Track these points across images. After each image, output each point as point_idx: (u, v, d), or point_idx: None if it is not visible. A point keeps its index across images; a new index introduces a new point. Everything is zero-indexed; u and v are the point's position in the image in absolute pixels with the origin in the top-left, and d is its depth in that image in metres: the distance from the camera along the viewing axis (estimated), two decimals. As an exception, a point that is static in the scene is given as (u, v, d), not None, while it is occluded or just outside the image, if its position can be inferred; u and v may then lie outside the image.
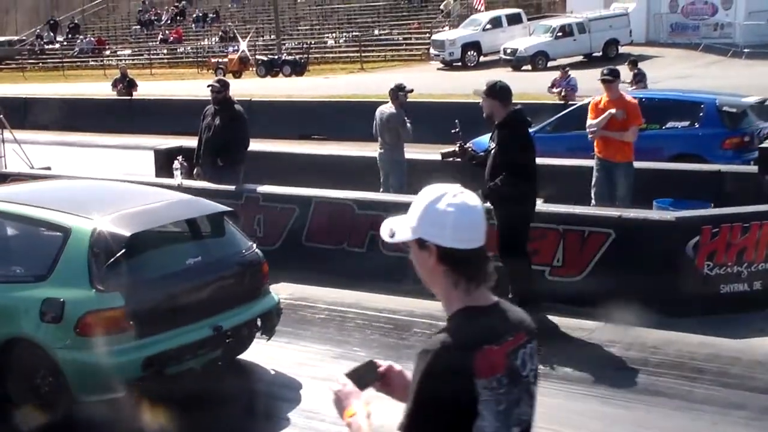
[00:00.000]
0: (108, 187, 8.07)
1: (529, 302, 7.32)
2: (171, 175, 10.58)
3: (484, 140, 9.04)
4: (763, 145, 8.49)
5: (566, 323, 7.46)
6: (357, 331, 7.62)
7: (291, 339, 7.51)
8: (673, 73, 27.22)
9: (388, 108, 11.23)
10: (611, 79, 9.46)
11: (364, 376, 2.66)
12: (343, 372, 2.59)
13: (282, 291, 8.68)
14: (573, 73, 20.72)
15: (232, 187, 10.23)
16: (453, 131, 8.00)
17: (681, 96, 13.30)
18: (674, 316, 7.36)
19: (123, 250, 5.95)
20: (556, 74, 20.90)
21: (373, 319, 7.88)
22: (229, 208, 7.15)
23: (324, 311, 8.19)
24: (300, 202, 9.53)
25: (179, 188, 10.19)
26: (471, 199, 2.45)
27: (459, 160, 7.83)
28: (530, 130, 7.73)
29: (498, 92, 7.38)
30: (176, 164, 10.54)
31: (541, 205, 9.08)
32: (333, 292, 8.61)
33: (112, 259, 5.91)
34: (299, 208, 9.50)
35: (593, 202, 9.41)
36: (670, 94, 13.97)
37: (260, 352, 7.21)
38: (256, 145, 11.46)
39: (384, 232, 2.56)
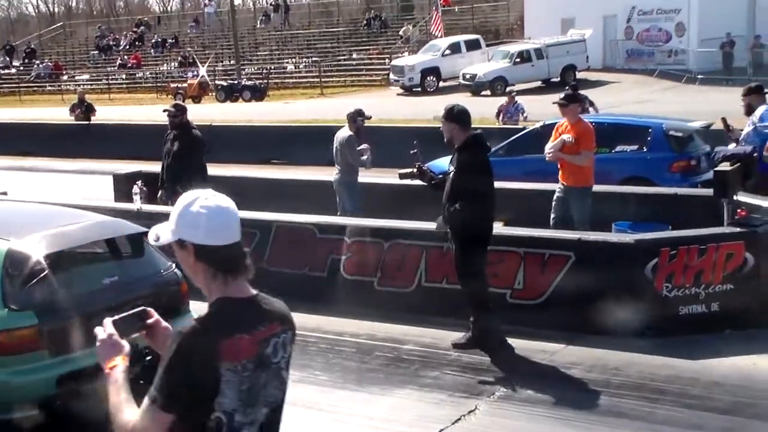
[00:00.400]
0: (30, 209, 8.26)
1: (488, 325, 7.42)
2: (130, 200, 10.48)
3: (442, 163, 9.09)
4: (717, 169, 8.62)
5: (527, 346, 7.48)
6: (319, 355, 7.57)
7: (252, 364, 7.45)
8: (630, 98, 27.66)
9: (345, 132, 11.28)
10: (565, 104, 9.58)
11: (132, 324, 2.98)
12: (110, 318, 2.90)
13: (243, 316, 8.66)
14: (530, 98, 20.94)
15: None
16: (412, 152, 8.05)
17: (629, 120, 13.53)
18: (634, 337, 7.43)
19: (37, 271, 6.09)
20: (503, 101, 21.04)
21: (335, 343, 7.85)
22: (146, 229, 7.07)
23: (285, 336, 8.11)
24: (261, 227, 9.47)
25: (138, 213, 10.17)
26: (223, 201, 2.74)
27: (417, 180, 7.83)
28: (486, 153, 7.72)
29: (456, 116, 7.42)
30: (135, 189, 10.47)
31: (501, 228, 9.17)
32: (294, 316, 8.41)
33: (25, 279, 6.07)
34: (260, 232, 9.45)
35: (551, 225, 9.48)
36: (620, 118, 14.19)
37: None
38: (216, 170, 11.44)
39: (151, 237, 2.79)
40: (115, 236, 7.00)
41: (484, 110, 19.55)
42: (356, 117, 11.25)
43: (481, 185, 7.30)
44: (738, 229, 7.86)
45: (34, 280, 6.09)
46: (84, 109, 25.95)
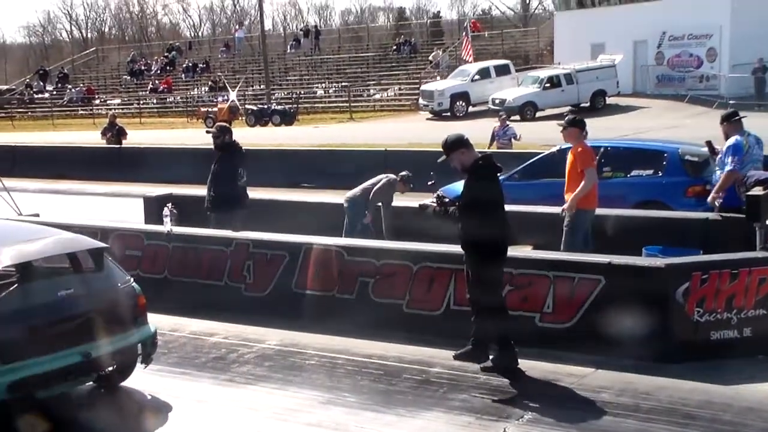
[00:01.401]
0: None
1: (486, 345, 7.48)
2: (161, 222, 10.57)
3: (456, 187, 9.12)
4: (750, 193, 8.57)
5: (557, 369, 7.43)
6: (347, 377, 7.56)
7: (281, 385, 7.47)
8: (662, 124, 27.53)
9: (391, 178, 11.79)
10: (565, 127, 9.91)
11: None
12: None
13: (271, 337, 8.71)
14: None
15: (221, 233, 10.24)
16: (429, 183, 8.15)
17: (645, 145, 13.63)
18: (665, 362, 7.35)
19: None
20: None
21: (363, 365, 7.83)
22: (105, 245, 7.63)
23: (314, 357, 8.14)
24: (290, 249, 9.52)
25: (168, 235, 10.26)
26: None
27: (437, 209, 7.78)
28: (497, 175, 7.70)
29: (453, 144, 7.51)
30: (165, 211, 10.54)
31: (530, 252, 9.17)
32: (322, 338, 8.57)
33: None
34: (289, 254, 9.49)
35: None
36: (635, 143, 14.37)
37: (248, 399, 7.18)
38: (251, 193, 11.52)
39: None
40: (75, 251, 7.27)
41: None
42: (409, 181, 11.80)
43: (484, 201, 7.35)
44: (771, 254, 7.78)
45: None
46: (115, 132, 26.23)
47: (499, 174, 7.67)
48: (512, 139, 19.55)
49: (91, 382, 7.27)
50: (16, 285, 6.67)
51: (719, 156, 10.10)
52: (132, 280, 7.48)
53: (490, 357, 7.55)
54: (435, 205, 7.74)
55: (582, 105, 34.69)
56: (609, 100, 35.20)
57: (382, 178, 11.79)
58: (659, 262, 7.93)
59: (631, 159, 12.43)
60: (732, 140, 9.87)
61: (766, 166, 10.21)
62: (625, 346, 7.48)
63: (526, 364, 7.55)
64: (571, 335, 7.80)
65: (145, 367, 7.39)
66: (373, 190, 11.59)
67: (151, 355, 7.38)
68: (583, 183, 9.58)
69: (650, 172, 12.10)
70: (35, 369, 6.34)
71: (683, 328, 7.57)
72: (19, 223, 9.58)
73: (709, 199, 10.05)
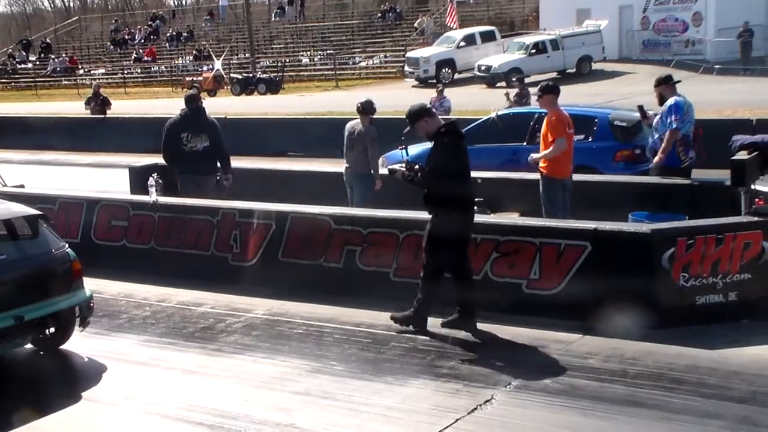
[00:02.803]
0: None
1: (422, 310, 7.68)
2: (146, 192, 10.52)
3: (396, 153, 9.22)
4: (735, 158, 8.57)
5: (543, 336, 7.47)
6: (335, 346, 7.58)
7: (269, 354, 7.48)
8: (646, 89, 27.42)
9: (365, 125, 11.28)
10: (539, 95, 10.09)
11: None
12: None
13: (259, 306, 8.71)
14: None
15: (207, 203, 10.21)
16: (400, 148, 8.19)
17: (576, 111, 13.62)
18: (651, 327, 7.39)
19: None
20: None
21: (351, 334, 7.85)
22: (40, 212, 7.80)
23: (301, 326, 8.15)
24: (277, 218, 9.50)
25: (154, 205, 10.22)
26: None
27: (406, 174, 7.79)
28: (461, 141, 7.78)
29: (416, 114, 7.69)
30: (151, 181, 10.49)
31: (517, 219, 9.18)
32: (310, 307, 8.58)
33: None
34: (276, 223, 9.47)
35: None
36: (569, 109, 14.28)
37: (236, 367, 7.19)
38: (232, 162, 11.45)
39: None
40: (10, 218, 7.51)
41: (500, 101, 19.47)
42: (368, 109, 11.34)
43: (448, 167, 7.49)
44: (755, 219, 7.80)
45: None
46: (99, 102, 26.04)
47: (463, 140, 7.78)
48: (447, 113, 19.54)
49: (29, 345, 7.61)
50: None
51: (658, 117, 10.22)
52: (66, 246, 7.70)
53: (451, 318, 7.70)
54: (404, 170, 7.81)
55: (568, 71, 34.63)
56: (595, 66, 35.14)
57: (361, 136, 11.24)
58: (645, 227, 7.95)
59: None
60: (672, 100, 10.03)
61: (697, 128, 10.37)
62: (612, 312, 7.52)
63: (512, 331, 7.61)
64: (557, 301, 7.83)
65: (82, 330, 7.67)
66: (370, 155, 11.30)
67: (88, 318, 7.63)
68: (551, 149, 9.71)
69: (581, 137, 12.28)
70: None
71: (669, 293, 7.61)
72: None
73: (656, 159, 10.11)
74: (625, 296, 7.56)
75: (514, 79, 22.89)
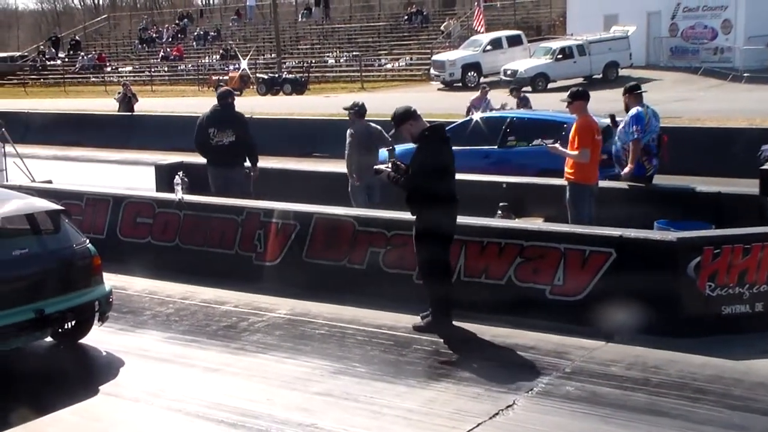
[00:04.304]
0: None
1: (438, 305, 7.73)
2: (172, 190, 10.58)
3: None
4: (764, 167, 8.51)
5: (566, 342, 7.44)
6: (357, 347, 7.59)
7: (291, 354, 7.50)
8: (673, 96, 27.32)
9: (369, 126, 11.51)
10: (569, 101, 9.99)
11: None
12: None
13: (282, 306, 8.73)
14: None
15: (232, 202, 10.25)
16: (388, 149, 8.39)
17: (547, 116, 14.52)
18: (675, 336, 7.33)
19: None
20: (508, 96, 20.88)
21: (373, 336, 7.85)
22: (62, 207, 7.92)
23: (324, 327, 8.16)
24: (301, 219, 9.52)
25: (179, 203, 10.27)
26: None
27: (391, 175, 7.94)
28: (445, 144, 7.90)
29: (401, 117, 7.82)
30: (177, 179, 10.55)
31: (541, 224, 9.14)
32: (333, 307, 8.59)
33: None
34: (300, 224, 9.49)
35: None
36: (538, 114, 15.25)
37: (258, 366, 7.21)
38: (258, 162, 11.52)
39: None
40: (32, 212, 7.61)
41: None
42: (359, 111, 11.56)
43: (435, 170, 7.60)
44: (784, 229, 7.74)
45: None
46: (126, 100, 26.32)
47: (446, 143, 7.87)
48: (489, 112, 19.54)
49: (48, 338, 7.71)
50: None
51: (620, 127, 10.41)
52: (87, 241, 7.76)
53: (422, 318, 7.87)
54: (390, 170, 7.88)
55: (594, 76, 34.47)
56: (621, 72, 34.90)
57: (380, 137, 11.21)
58: (671, 236, 7.89)
59: (534, 129, 13.35)
60: (633, 110, 10.25)
61: (660, 138, 10.56)
62: (636, 320, 7.48)
63: (535, 337, 7.58)
64: (581, 308, 7.79)
65: (101, 324, 7.70)
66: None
67: (107, 314, 7.67)
68: (574, 154, 9.68)
69: (550, 142, 12.37)
70: None
71: (694, 302, 7.55)
72: None
73: (626, 170, 10.21)
74: (650, 304, 7.52)
75: (511, 88, 22.88)
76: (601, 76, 34.44)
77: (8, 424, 6.28)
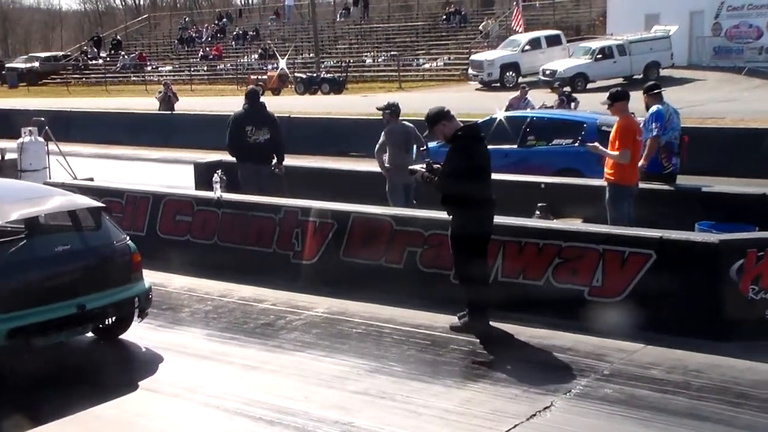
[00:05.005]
0: (2, 183, 9.00)
1: (475, 305, 7.69)
2: (211, 189, 10.65)
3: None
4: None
5: (605, 344, 7.37)
6: (394, 347, 7.58)
7: (328, 352, 7.51)
8: (716, 97, 26.99)
9: (405, 126, 11.58)
10: (609, 103, 9.89)
11: None
12: None
13: (319, 305, 8.75)
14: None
15: (270, 200, 10.30)
16: (422, 149, 8.25)
17: (566, 116, 14.80)
18: (717, 340, 7.23)
19: None
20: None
21: (410, 335, 7.84)
22: (102, 204, 7.99)
23: (361, 325, 8.16)
24: (338, 218, 9.53)
25: (218, 201, 10.34)
26: None
27: (425, 176, 7.91)
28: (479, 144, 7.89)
29: (434, 117, 7.82)
30: (215, 177, 10.62)
31: (580, 225, 9.07)
32: (370, 307, 8.59)
33: None
34: (337, 223, 9.50)
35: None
36: (558, 114, 15.45)
37: (295, 364, 7.23)
38: (294, 161, 11.58)
39: None
40: (74, 209, 7.70)
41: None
42: (393, 111, 11.68)
43: (468, 171, 7.56)
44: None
45: None
46: (166, 99, 26.59)
47: (480, 143, 7.86)
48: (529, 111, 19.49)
49: (90, 334, 7.80)
50: (16, 240, 7.19)
51: (641, 125, 10.36)
52: (127, 238, 7.85)
53: (459, 318, 7.87)
54: (424, 171, 7.88)
55: (634, 77, 34.12)
56: (663, 72, 34.52)
57: (417, 137, 11.27)
58: (713, 238, 7.79)
59: (554, 129, 13.55)
60: (654, 108, 10.36)
61: (682, 136, 10.66)
62: (676, 323, 7.39)
63: (573, 338, 7.52)
64: (620, 310, 7.71)
65: (140, 321, 7.80)
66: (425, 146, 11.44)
67: (146, 310, 7.75)
68: (614, 154, 9.60)
69: (569, 141, 13.01)
70: (33, 318, 6.81)
71: (737, 305, 7.44)
72: (26, 182, 10.20)
73: (639, 164, 10.08)
74: (691, 307, 7.44)
75: (556, 85, 22.73)
76: (641, 76, 34.01)
77: (50, 417, 6.35)
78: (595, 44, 35.64)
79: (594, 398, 6.38)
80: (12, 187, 8.57)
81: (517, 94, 20.08)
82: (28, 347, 6.90)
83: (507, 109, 19.81)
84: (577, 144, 12.92)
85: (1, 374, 6.89)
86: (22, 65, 53.87)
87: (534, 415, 6.13)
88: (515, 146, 13.43)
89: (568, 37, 40.70)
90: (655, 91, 10.62)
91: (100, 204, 7.96)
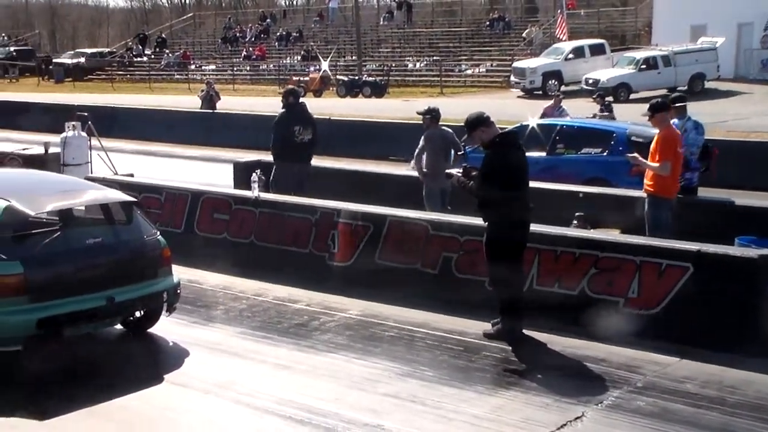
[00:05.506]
0: (36, 175, 9.20)
1: (509, 313, 7.67)
2: (249, 188, 10.73)
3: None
4: None
5: (639, 356, 7.30)
6: (426, 351, 7.58)
7: (361, 354, 7.53)
8: (762, 110, 26.62)
9: (443, 130, 11.67)
10: (650, 115, 9.80)
11: None
12: None
13: (353, 307, 8.77)
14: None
15: (307, 201, 10.35)
16: (459, 153, 8.48)
17: (596, 125, 14.89)
18: (753, 356, 7.13)
19: (27, 227, 7.18)
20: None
21: (443, 340, 7.83)
22: (134, 199, 8.17)
23: (394, 329, 8.17)
24: (374, 221, 9.55)
25: (255, 201, 10.41)
26: None
27: (461, 180, 7.96)
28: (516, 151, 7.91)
29: (473, 123, 7.82)
30: (254, 177, 10.70)
31: (617, 236, 9.01)
32: (404, 311, 8.60)
33: (17, 234, 7.01)
34: (374, 226, 9.52)
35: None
36: (588, 123, 15.49)
37: (328, 365, 7.26)
38: (332, 163, 11.64)
39: None
40: (106, 203, 7.83)
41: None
42: (432, 116, 11.90)
43: (504, 177, 7.56)
44: None
45: (24, 236, 7.08)
46: (208, 98, 26.82)
47: (518, 150, 7.89)
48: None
49: (119, 326, 7.94)
50: (49, 231, 7.30)
51: None
52: (158, 233, 7.94)
53: (492, 325, 7.83)
54: (460, 175, 7.89)
55: (679, 88, 33.74)
56: (708, 84, 34.15)
57: (455, 142, 11.40)
58: (752, 252, 7.69)
59: (583, 138, 13.63)
60: (671, 122, 10.17)
61: (704, 150, 10.69)
62: (712, 337, 7.31)
63: (607, 349, 7.47)
64: (655, 322, 7.65)
65: (168, 315, 7.86)
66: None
67: (174, 304, 7.82)
68: (655, 166, 9.52)
69: (598, 150, 13.09)
70: (62, 308, 6.94)
71: (775, 322, 7.34)
72: (62, 176, 10.42)
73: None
74: (728, 322, 7.35)
75: (595, 96, 22.62)
76: (686, 87, 33.69)
77: (75, 406, 6.44)
78: (640, 54, 35.31)
79: (626, 410, 6.33)
80: (48, 180, 8.72)
81: (551, 102, 20.00)
82: (58, 337, 7.02)
83: (541, 118, 19.79)
84: (605, 153, 12.94)
85: (28, 364, 6.98)
86: (69, 61, 54.53)
87: (564, 424, 6.09)
88: (544, 154, 13.43)
89: (613, 46, 40.38)
90: (678, 105, 10.62)
91: (131, 198, 8.09)
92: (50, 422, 6.24)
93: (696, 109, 22.52)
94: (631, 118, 19.37)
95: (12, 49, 59.35)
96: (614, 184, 11.89)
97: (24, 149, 15.57)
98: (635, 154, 10.12)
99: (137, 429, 6.27)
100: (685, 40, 35.93)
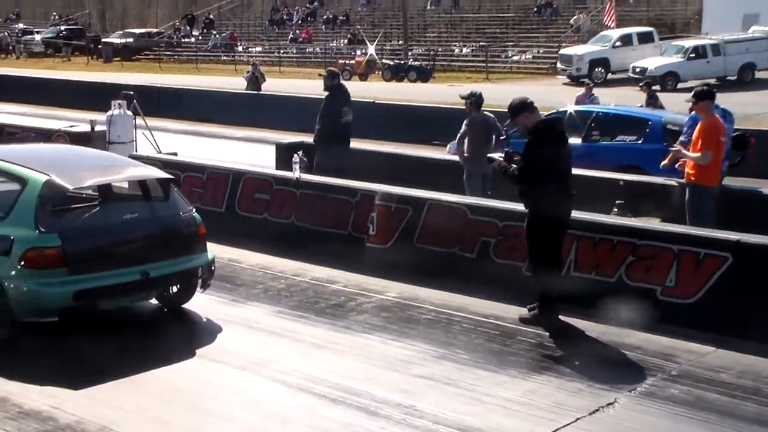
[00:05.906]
0: (77, 151, 9.41)
1: (546, 298, 7.67)
2: (290, 169, 10.82)
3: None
4: None
5: (675, 345, 7.29)
6: (462, 335, 7.62)
7: (396, 336, 7.59)
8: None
9: (487, 117, 11.62)
10: (694, 101, 9.75)
11: None
12: None
13: (391, 289, 8.84)
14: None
15: (348, 183, 10.41)
16: (501, 137, 8.40)
17: (631, 112, 14.72)
18: (792, 348, 7.09)
19: (66, 201, 7.40)
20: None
21: (479, 324, 7.87)
22: (170, 176, 8.27)
23: (431, 312, 8.23)
24: (414, 204, 9.59)
25: (296, 182, 10.50)
26: None
27: (502, 165, 7.92)
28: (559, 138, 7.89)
29: (517, 108, 7.82)
30: (295, 158, 10.79)
31: (655, 224, 8.96)
32: (441, 294, 8.64)
33: (55, 208, 7.19)
34: (413, 209, 9.57)
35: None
36: (623, 110, 15.29)
37: (363, 345, 7.33)
38: (373, 146, 11.69)
39: None
40: (144, 179, 7.96)
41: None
42: (474, 101, 11.72)
43: (545, 164, 7.50)
44: None
45: (62, 209, 7.27)
46: (254, 79, 27.00)
47: (560, 137, 7.87)
48: None
49: (153, 300, 8.11)
50: (87, 206, 7.52)
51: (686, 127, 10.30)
52: (194, 210, 8.07)
53: (529, 310, 7.86)
54: (502, 160, 7.88)
55: (728, 78, 33.27)
56: (758, 74, 33.58)
57: (497, 128, 11.52)
58: (793, 243, 7.61)
59: (618, 125, 13.61)
60: (694, 113, 10.10)
61: (741, 139, 10.58)
62: (749, 328, 7.26)
63: (643, 337, 7.46)
64: (692, 312, 7.61)
65: (203, 291, 8.02)
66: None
67: (208, 281, 7.96)
68: (695, 155, 9.47)
69: (633, 138, 13.07)
70: (98, 282, 7.13)
71: (815, 314, 7.27)
72: (103, 152, 10.63)
73: (661, 164, 10.31)
74: (765, 313, 7.28)
75: (641, 84, 22.31)
76: (735, 77, 33.18)
77: (108, 377, 6.61)
78: (689, 43, 34.80)
79: (659, 398, 6.33)
80: (89, 156, 8.92)
81: (582, 91, 19.86)
82: (94, 309, 7.24)
83: None
84: (640, 141, 12.92)
85: (63, 335, 7.19)
86: (118, 40, 55.14)
87: (597, 410, 6.11)
88: (579, 141, 13.33)
89: (662, 34, 39.82)
90: (699, 100, 10.19)
91: (168, 176, 8.22)
92: (85, 391, 6.38)
93: (744, 99, 22.24)
94: (679, 107, 19.19)
95: (63, 28, 60.10)
96: (648, 172, 11.80)
97: (71, 126, 15.83)
98: (679, 147, 10.00)
99: (172, 401, 6.39)
100: (736, 28, 35.35)
